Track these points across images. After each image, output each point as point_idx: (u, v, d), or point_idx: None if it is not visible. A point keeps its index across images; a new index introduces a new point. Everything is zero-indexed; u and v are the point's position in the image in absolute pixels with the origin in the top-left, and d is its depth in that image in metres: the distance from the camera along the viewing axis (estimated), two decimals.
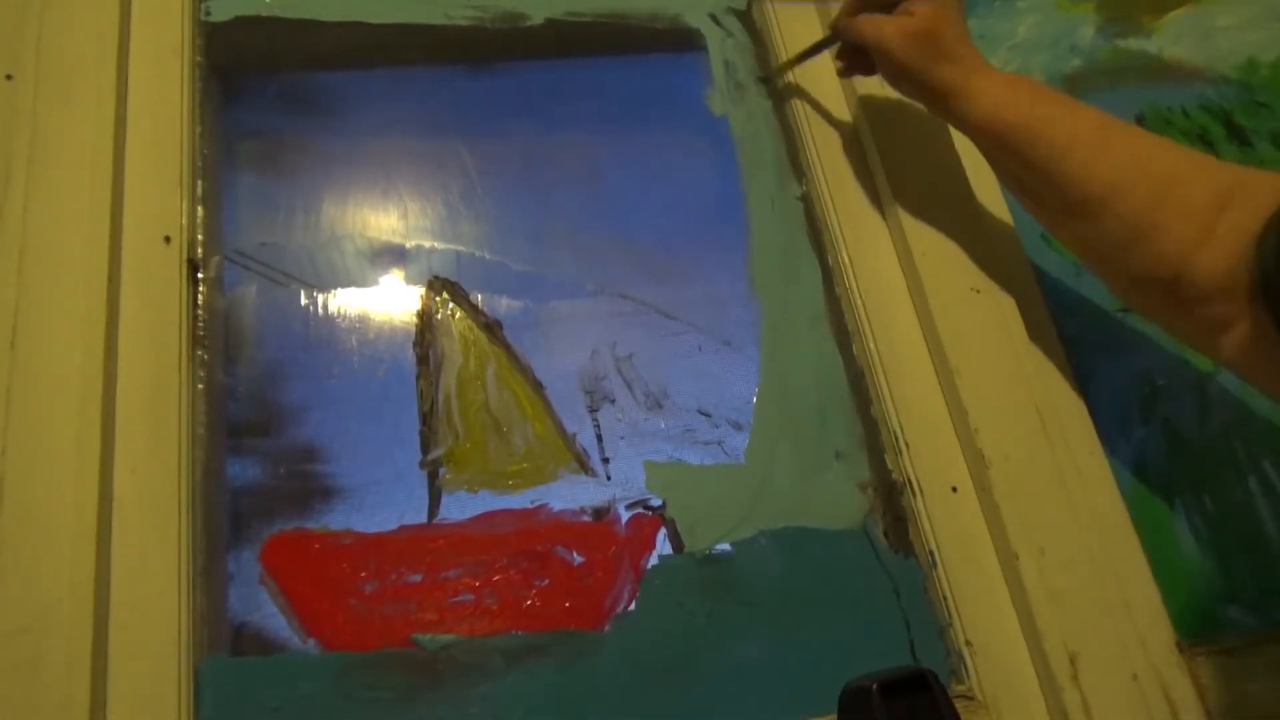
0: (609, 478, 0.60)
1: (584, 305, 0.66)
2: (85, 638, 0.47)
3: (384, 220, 0.66)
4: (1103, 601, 0.56)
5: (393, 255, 0.65)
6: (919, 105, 0.63)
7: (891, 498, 0.62)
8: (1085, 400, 0.63)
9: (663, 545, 0.59)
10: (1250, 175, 0.49)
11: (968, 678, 0.56)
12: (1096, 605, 0.56)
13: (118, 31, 0.62)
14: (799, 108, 0.73)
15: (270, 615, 0.53)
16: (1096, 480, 0.60)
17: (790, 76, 0.74)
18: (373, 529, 0.56)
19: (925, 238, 0.67)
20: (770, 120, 0.75)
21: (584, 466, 0.60)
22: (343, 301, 0.62)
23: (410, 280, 0.64)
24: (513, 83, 0.73)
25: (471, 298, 0.64)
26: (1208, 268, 0.47)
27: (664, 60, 0.77)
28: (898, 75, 0.61)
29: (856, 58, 0.66)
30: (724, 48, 0.77)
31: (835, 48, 0.69)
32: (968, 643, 0.57)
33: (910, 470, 0.61)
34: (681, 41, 0.77)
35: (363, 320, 0.62)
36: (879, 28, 0.60)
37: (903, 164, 0.70)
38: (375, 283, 0.63)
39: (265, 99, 0.68)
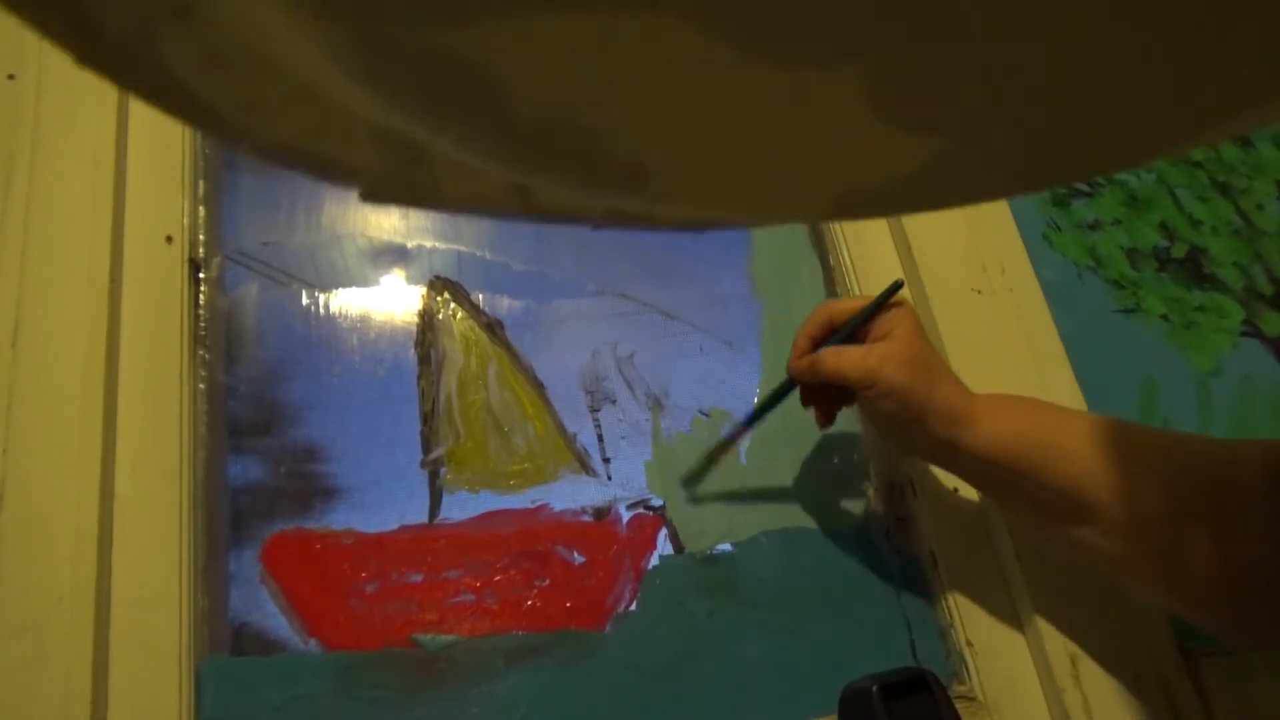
0: (610, 478, 0.60)
1: (585, 305, 0.66)
2: (86, 638, 0.47)
3: (385, 219, 0.66)
4: (1104, 602, 0.56)
5: (394, 255, 0.65)
6: None
7: (891, 498, 0.62)
8: (1085, 400, 0.63)
9: (663, 545, 0.59)
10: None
11: (968, 678, 0.56)
12: (1097, 606, 0.56)
13: None
14: None
15: (271, 615, 0.53)
16: None
17: None
18: (373, 529, 0.56)
19: (925, 238, 0.67)
20: None
21: (585, 466, 0.60)
22: (344, 301, 0.62)
23: (411, 280, 0.64)
24: None
25: (473, 297, 0.64)
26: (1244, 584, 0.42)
27: None
28: (890, 405, 0.51)
29: (824, 398, 0.57)
30: None
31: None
32: (968, 643, 0.57)
33: (910, 470, 0.61)
34: None
35: (364, 320, 0.62)
36: (860, 359, 0.51)
37: None
38: (376, 282, 0.63)
39: None
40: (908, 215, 0.68)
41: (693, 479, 0.60)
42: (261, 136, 0.16)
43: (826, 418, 0.57)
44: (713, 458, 0.59)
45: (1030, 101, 0.14)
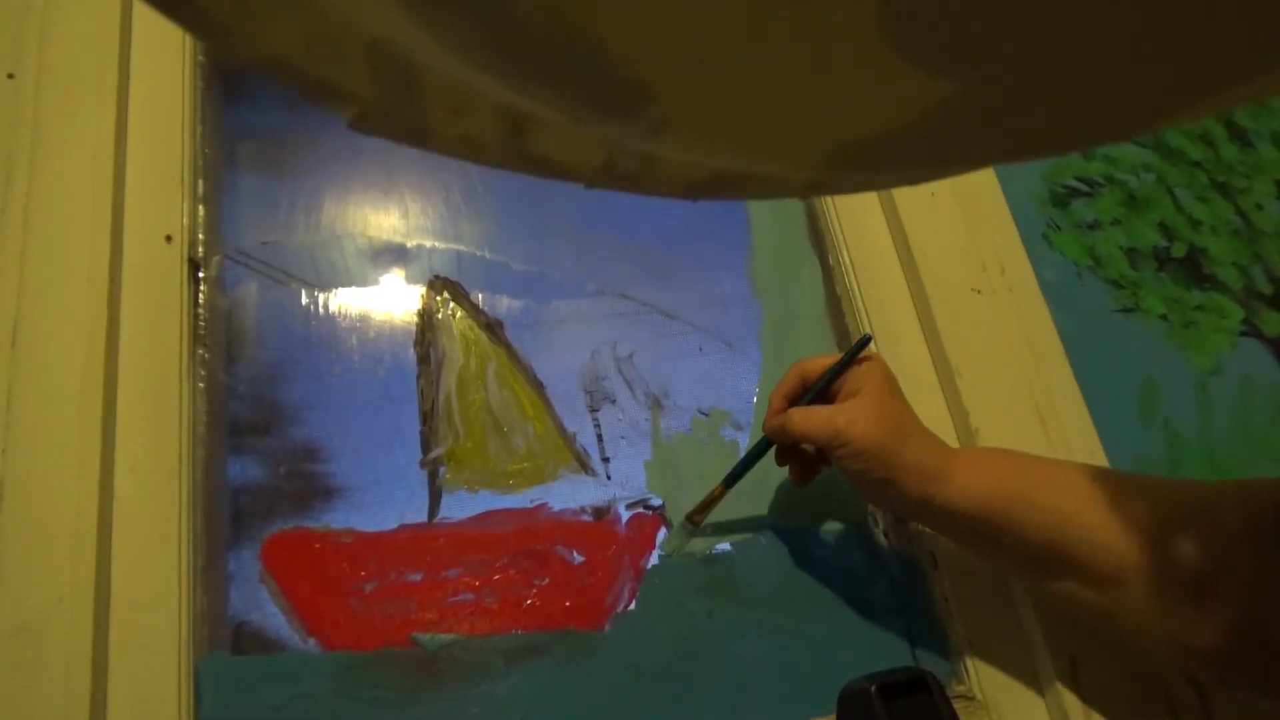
0: (609, 477, 0.60)
1: (585, 305, 0.66)
2: (85, 637, 0.47)
3: (385, 219, 0.66)
4: None
5: (393, 254, 0.65)
6: None
7: None
8: (1085, 400, 0.63)
9: (663, 545, 0.59)
10: (1251, 488, 0.45)
11: (968, 678, 0.56)
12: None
13: (119, 30, 0.62)
14: None
15: (270, 614, 0.53)
16: None
17: None
18: (373, 528, 0.56)
19: (925, 238, 0.67)
20: None
21: (584, 466, 0.60)
22: (343, 301, 0.62)
23: (411, 279, 0.64)
24: None
25: (472, 297, 0.64)
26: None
27: None
28: (861, 463, 0.50)
29: (800, 457, 0.56)
30: None
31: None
32: (968, 643, 0.57)
33: None
34: None
35: (363, 319, 0.62)
36: (830, 419, 0.51)
37: None
38: (376, 282, 0.63)
39: (266, 98, 0.68)
40: (908, 215, 0.67)
41: (684, 534, 0.59)
42: (253, 42, 0.16)
43: (801, 476, 0.56)
44: (702, 513, 0.58)
45: (1034, 55, 0.14)
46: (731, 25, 0.14)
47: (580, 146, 0.18)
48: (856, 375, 0.53)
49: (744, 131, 0.17)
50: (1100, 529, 0.46)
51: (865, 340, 0.54)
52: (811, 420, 0.52)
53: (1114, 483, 0.48)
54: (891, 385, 0.53)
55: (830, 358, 0.55)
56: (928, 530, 0.60)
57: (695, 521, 0.58)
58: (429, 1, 0.14)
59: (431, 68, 0.16)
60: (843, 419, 0.50)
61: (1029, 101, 0.15)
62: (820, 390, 0.54)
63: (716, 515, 0.60)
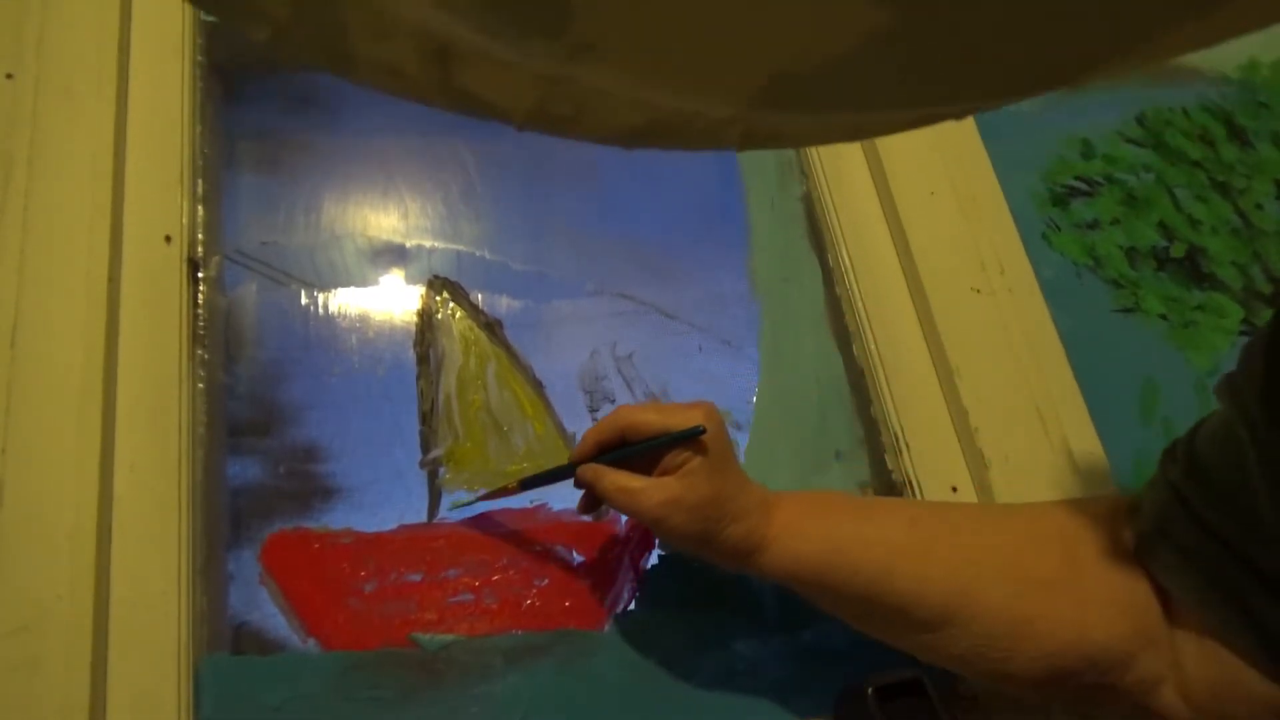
0: None
1: (584, 305, 0.66)
2: (85, 637, 0.47)
3: (384, 219, 0.66)
4: None
5: (393, 254, 0.65)
6: None
7: (891, 497, 0.62)
8: (1085, 400, 0.63)
9: (662, 545, 0.59)
10: (1064, 513, 0.47)
11: (965, 678, 0.56)
12: None
13: (118, 30, 0.62)
14: None
15: (270, 615, 0.53)
16: (1096, 480, 0.60)
17: None
18: (372, 528, 0.56)
19: (925, 238, 0.67)
20: None
21: None
22: (343, 301, 0.62)
23: (410, 280, 0.64)
24: None
25: (472, 297, 0.64)
26: (1104, 633, 0.44)
27: None
28: (680, 544, 0.51)
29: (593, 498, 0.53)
30: None
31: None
32: None
33: (910, 470, 0.61)
34: None
35: (363, 320, 0.62)
36: (644, 501, 0.48)
37: (903, 163, 0.70)
38: (375, 282, 0.64)
39: (266, 98, 0.68)
40: (907, 215, 0.67)
41: (464, 503, 0.58)
42: None
43: (588, 507, 0.55)
44: (487, 498, 0.56)
45: None
46: None
47: (511, 86, 0.17)
48: (682, 451, 0.49)
49: (671, 60, 0.16)
50: (910, 581, 0.46)
51: (696, 431, 0.49)
52: (628, 498, 0.49)
53: (930, 529, 0.49)
54: (718, 460, 0.49)
55: (657, 418, 0.50)
56: None
57: (483, 498, 0.56)
58: None
59: None
60: (658, 504, 0.48)
61: (967, 38, 0.15)
62: (632, 457, 0.50)
63: None
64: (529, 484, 0.55)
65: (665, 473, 0.49)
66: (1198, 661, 0.43)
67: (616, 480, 0.49)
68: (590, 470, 0.51)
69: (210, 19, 0.67)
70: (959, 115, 0.19)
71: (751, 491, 0.50)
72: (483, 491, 0.57)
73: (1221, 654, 0.42)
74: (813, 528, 0.49)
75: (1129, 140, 0.79)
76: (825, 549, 0.48)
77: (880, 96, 0.18)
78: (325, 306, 0.62)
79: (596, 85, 0.17)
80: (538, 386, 0.62)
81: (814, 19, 0.15)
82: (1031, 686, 0.47)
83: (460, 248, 0.66)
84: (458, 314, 0.63)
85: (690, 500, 0.48)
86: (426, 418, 0.60)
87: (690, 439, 0.49)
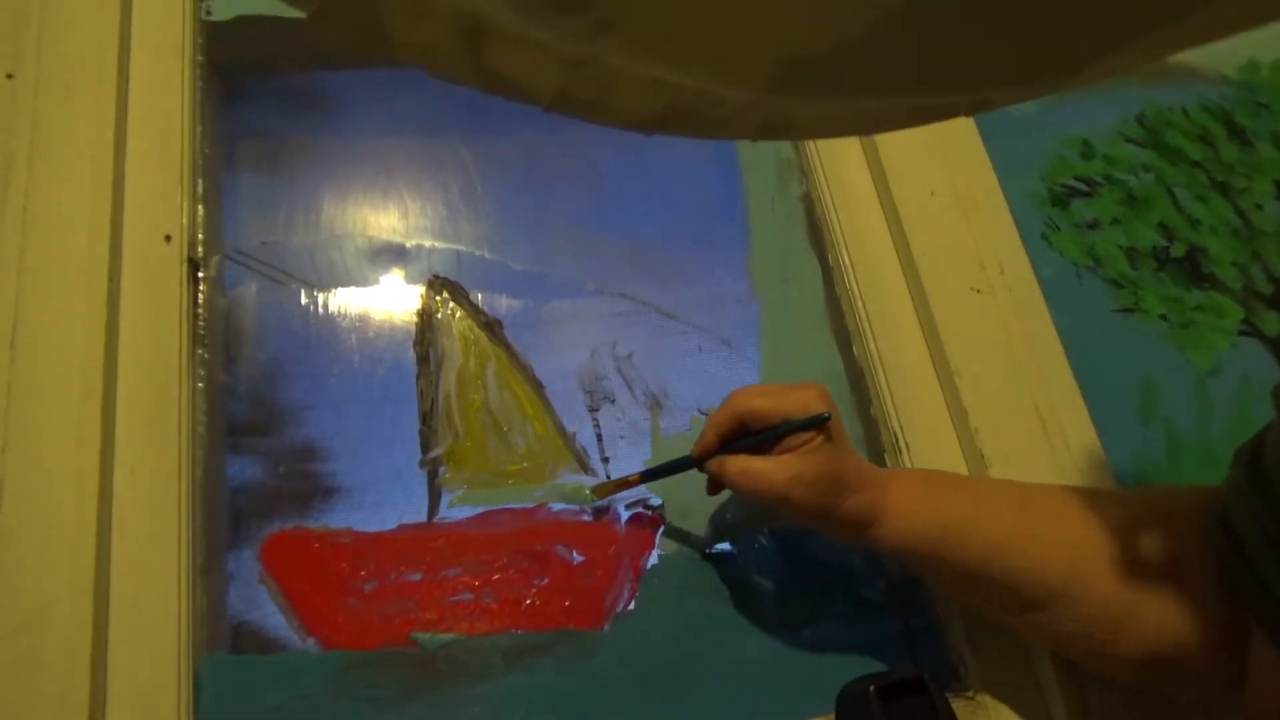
0: (609, 477, 0.60)
1: (584, 305, 0.66)
2: (85, 637, 0.47)
3: (384, 219, 0.66)
4: None
5: (393, 254, 0.65)
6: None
7: None
8: (1085, 400, 0.63)
9: (663, 545, 0.59)
10: (1170, 501, 0.48)
11: (967, 678, 0.56)
12: None
13: (118, 30, 0.62)
14: None
15: (270, 614, 0.53)
16: (1096, 480, 0.60)
17: None
18: (372, 528, 0.56)
19: (925, 238, 0.67)
20: None
21: (584, 466, 0.60)
22: (343, 301, 0.62)
23: (410, 279, 0.64)
24: None
25: (472, 297, 0.64)
26: (1205, 622, 0.45)
27: None
28: (803, 520, 0.52)
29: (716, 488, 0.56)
30: None
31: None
32: (967, 643, 0.57)
33: None
34: None
35: (363, 319, 0.62)
36: (768, 480, 0.50)
37: (903, 163, 0.70)
38: (375, 282, 0.64)
39: (266, 98, 0.68)
40: (907, 215, 0.67)
41: (599, 492, 0.59)
42: None
43: (714, 490, 0.57)
44: (614, 491, 0.58)
45: None
46: None
47: (538, 67, 0.18)
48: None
49: (690, 39, 0.17)
50: (1025, 560, 0.49)
51: (823, 419, 0.50)
52: (754, 480, 0.51)
53: (1040, 510, 0.50)
54: (834, 440, 0.51)
55: (774, 402, 0.51)
56: None
57: (598, 494, 0.58)
58: None
59: None
60: (783, 481, 0.50)
61: (976, 22, 0.15)
62: (762, 446, 0.51)
63: (717, 515, 0.60)
64: (650, 476, 0.57)
65: (786, 452, 0.51)
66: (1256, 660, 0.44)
67: (739, 464, 0.51)
68: (715, 464, 0.53)
69: (209, 19, 0.67)
70: (969, 109, 0.19)
71: (865, 467, 0.52)
72: (603, 484, 0.58)
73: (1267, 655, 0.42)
74: (926, 504, 0.51)
75: (1129, 140, 0.79)
76: (939, 525, 0.50)
77: (893, 82, 0.18)
78: (325, 306, 0.62)
79: (619, 67, 0.18)
80: (538, 386, 0.62)
81: (826, 2, 0.15)
82: (1132, 670, 0.49)
83: (460, 248, 0.66)
84: (458, 314, 0.63)
85: (812, 476, 0.49)
86: (426, 417, 0.60)
87: (815, 426, 0.51)
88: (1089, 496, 0.51)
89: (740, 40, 0.16)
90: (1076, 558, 0.48)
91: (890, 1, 0.15)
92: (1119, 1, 0.15)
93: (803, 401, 0.51)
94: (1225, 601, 0.44)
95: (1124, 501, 0.51)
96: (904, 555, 0.52)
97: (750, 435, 0.52)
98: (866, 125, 0.21)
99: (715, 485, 0.56)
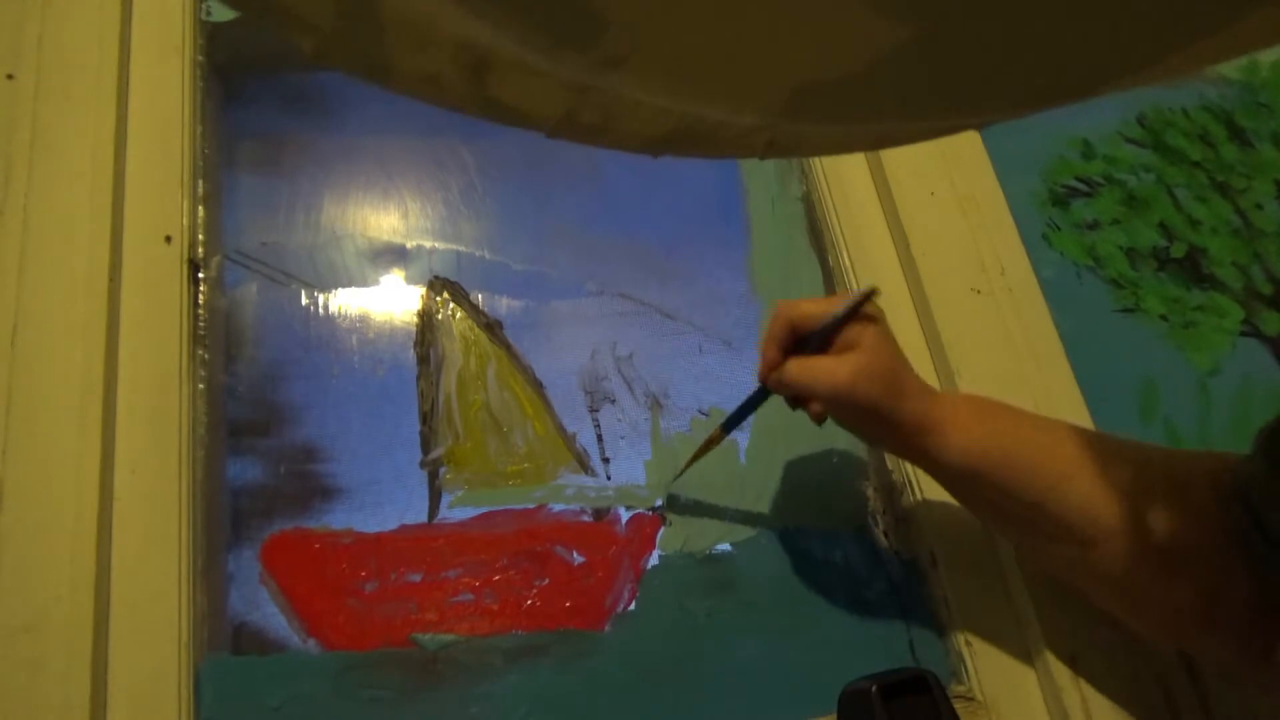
0: (609, 478, 0.60)
1: (584, 305, 0.66)
2: (85, 637, 0.47)
3: (384, 220, 0.66)
4: None
5: (393, 255, 0.65)
6: None
7: (891, 498, 0.62)
8: (1085, 400, 0.63)
9: (662, 545, 0.59)
10: (1211, 459, 0.47)
11: (968, 678, 0.56)
12: (1097, 607, 0.56)
13: (119, 31, 0.62)
14: None
15: (270, 615, 0.53)
16: None
17: None
18: (373, 529, 0.56)
19: (925, 238, 0.67)
20: None
21: (584, 466, 0.60)
22: (343, 301, 0.62)
23: (411, 280, 0.64)
24: None
25: (472, 297, 0.64)
26: (1242, 588, 0.43)
27: None
28: (859, 417, 0.52)
29: (807, 403, 0.56)
30: None
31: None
32: (967, 643, 0.57)
33: (910, 470, 0.61)
34: None
35: (363, 320, 0.62)
36: (830, 374, 0.50)
37: (903, 163, 0.70)
38: (376, 282, 0.63)
39: (266, 99, 0.68)
40: (907, 215, 0.67)
41: (678, 480, 0.60)
42: None
43: (819, 416, 0.56)
44: (696, 458, 0.58)
45: (987, 6, 0.14)
46: None
47: (542, 94, 0.18)
48: (854, 327, 0.52)
49: (699, 73, 0.17)
50: (1083, 494, 0.47)
51: (869, 294, 0.52)
52: (813, 374, 0.51)
53: (1099, 447, 0.49)
54: (888, 338, 0.52)
55: (821, 304, 0.53)
56: (928, 530, 0.60)
57: (692, 461, 0.58)
58: None
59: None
60: (844, 375, 0.50)
61: (986, 51, 0.15)
62: (819, 343, 0.52)
63: (717, 515, 0.60)
64: (730, 425, 0.57)
65: (844, 350, 0.51)
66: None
67: (799, 364, 0.52)
68: (775, 374, 0.53)
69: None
70: (979, 125, 0.19)
71: (923, 381, 0.52)
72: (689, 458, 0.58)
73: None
74: (992, 422, 0.50)
75: (1129, 140, 0.79)
76: (1002, 448, 0.49)
77: (903, 107, 0.18)
78: (325, 306, 0.62)
79: (625, 95, 0.17)
80: (538, 386, 0.62)
81: (835, 35, 0.15)
82: (1160, 623, 0.48)
83: (460, 248, 0.66)
84: (458, 314, 0.63)
85: (874, 368, 0.50)
86: (427, 418, 0.60)
87: (866, 301, 0.51)
88: (1142, 444, 0.50)
89: (749, 71, 0.16)
90: (1135, 500, 0.46)
91: (900, 33, 0.15)
92: (1134, 28, 0.15)
93: (844, 298, 0.52)
94: (1252, 576, 0.43)
95: (1176, 452, 0.49)
96: (960, 473, 0.51)
97: (806, 341, 0.52)
98: (875, 143, 0.21)
99: (792, 401, 0.55)
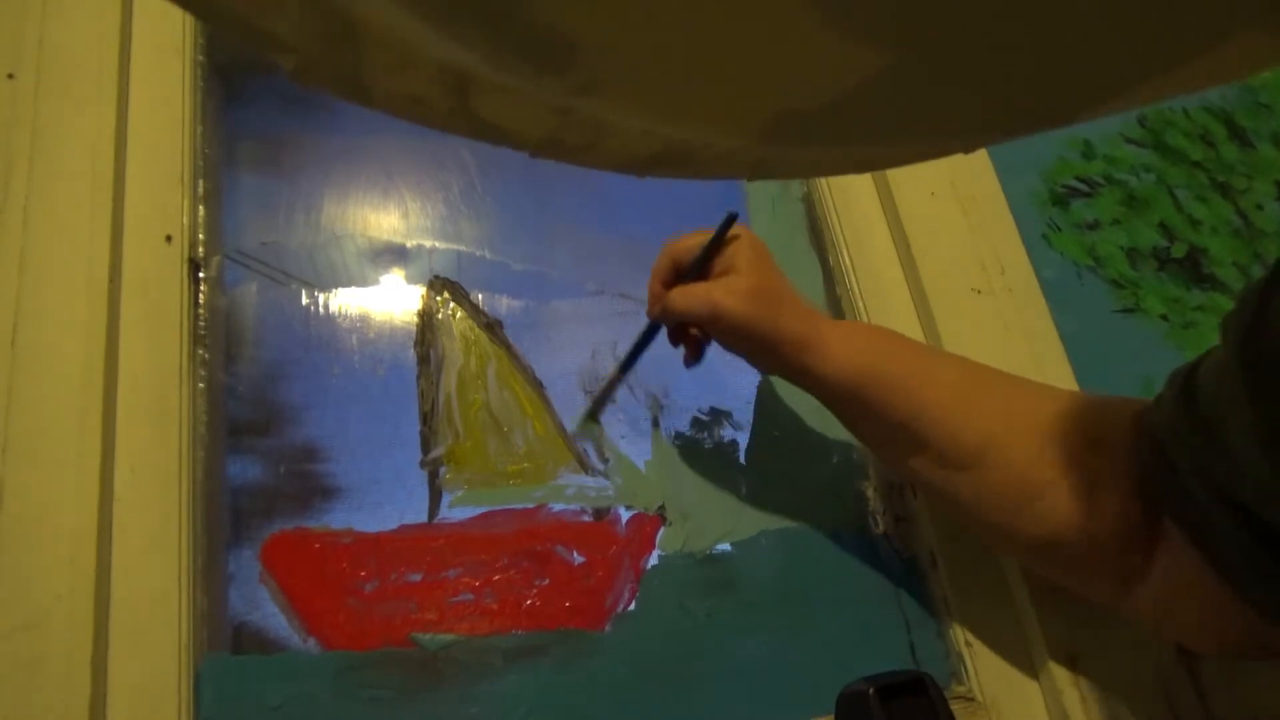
0: (609, 478, 0.60)
1: (584, 305, 0.66)
2: (85, 637, 0.47)
3: (385, 219, 0.66)
4: None
5: (393, 255, 0.65)
6: None
7: (891, 498, 0.62)
8: None
9: (663, 545, 0.59)
10: (1097, 402, 0.48)
11: (967, 678, 0.56)
12: (1097, 606, 0.56)
13: (119, 30, 0.62)
14: None
15: (270, 614, 0.53)
16: None
17: None
18: (373, 528, 0.56)
19: (925, 238, 0.67)
20: None
21: (584, 466, 0.60)
22: (343, 301, 0.62)
23: (411, 280, 0.64)
24: None
25: (472, 297, 0.64)
26: (1109, 517, 0.45)
27: None
28: (740, 338, 0.53)
29: (687, 336, 0.59)
30: None
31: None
32: (967, 643, 0.57)
33: None
34: None
35: (363, 320, 0.62)
36: (705, 296, 0.52)
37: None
38: (376, 282, 0.63)
39: (266, 99, 0.68)
40: (907, 215, 0.67)
41: (590, 420, 0.62)
42: None
43: (694, 354, 0.59)
44: (600, 401, 0.61)
45: (966, 30, 0.14)
46: None
47: (526, 115, 0.18)
48: (728, 253, 0.54)
49: (677, 98, 0.17)
50: (953, 420, 0.49)
51: (732, 218, 0.55)
52: (690, 299, 0.53)
53: (978, 378, 0.51)
54: (762, 257, 0.54)
55: (698, 237, 0.55)
56: (928, 530, 0.60)
57: (590, 418, 0.61)
58: None
59: (369, 19, 0.16)
60: (718, 295, 0.52)
61: (967, 77, 0.16)
62: (695, 271, 0.55)
63: (717, 516, 0.60)
64: (627, 365, 0.60)
65: (721, 275, 0.54)
66: (1165, 566, 0.44)
67: (676, 291, 0.54)
68: (659, 306, 0.55)
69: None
70: (966, 149, 0.19)
71: (805, 304, 0.54)
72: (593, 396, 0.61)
73: (1185, 557, 0.42)
74: (869, 343, 0.52)
75: (1129, 140, 0.79)
76: (874, 369, 0.51)
77: (885, 133, 0.18)
78: (325, 306, 0.62)
79: (607, 118, 0.18)
80: (538, 386, 0.62)
81: (811, 64, 0.15)
82: (1032, 550, 0.49)
83: (460, 248, 0.66)
84: (458, 314, 0.63)
85: (745, 287, 0.52)
86: (427, 417, 0.60)
87: (729, 227, 0.54)
88: (1029, 382, 0.51)
89: (728, 97, 0.16)
90: (1001, 428, 0.48)
91: (879, 59, 0.15)
92: (1116, 54, 0.15)
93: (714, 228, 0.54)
94: (1137, 499, 0.44)
95: (1060, 395, 0.51)
96: (835, 391, 0.52)
97: (686, 273, 0.55)
98: (864, 165, 0.21)
99: (674, 334, 0.58)
